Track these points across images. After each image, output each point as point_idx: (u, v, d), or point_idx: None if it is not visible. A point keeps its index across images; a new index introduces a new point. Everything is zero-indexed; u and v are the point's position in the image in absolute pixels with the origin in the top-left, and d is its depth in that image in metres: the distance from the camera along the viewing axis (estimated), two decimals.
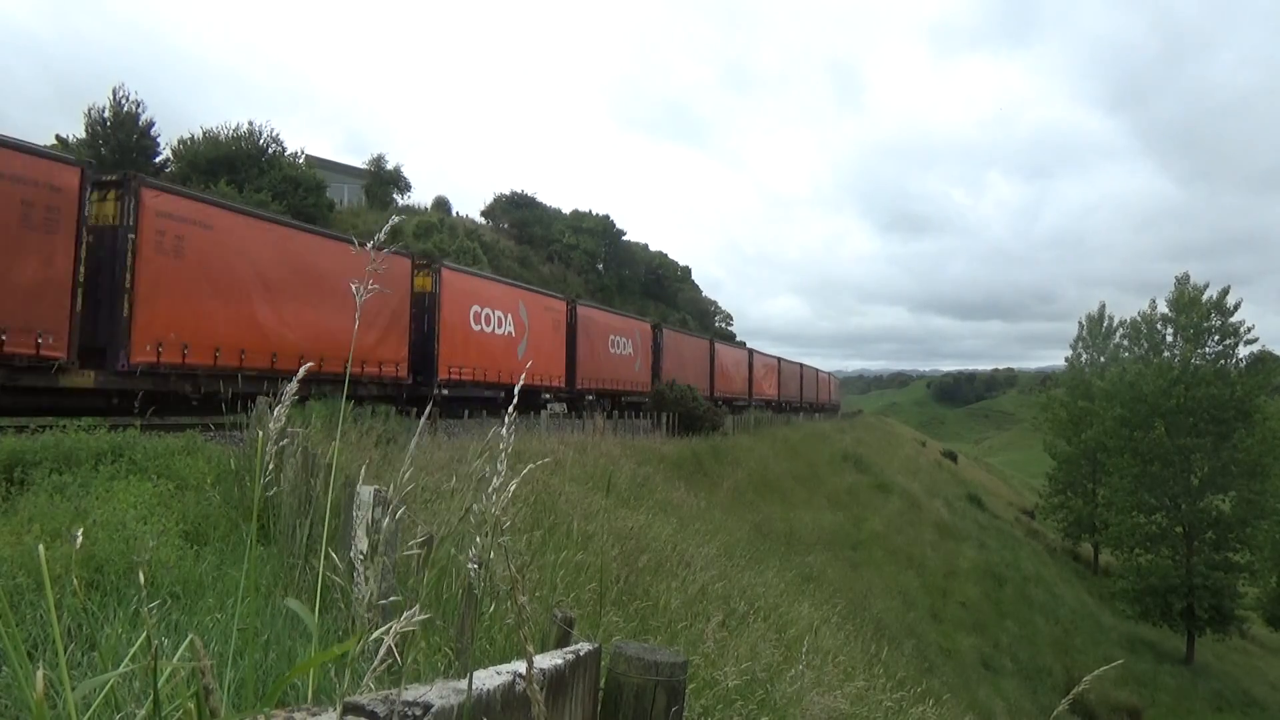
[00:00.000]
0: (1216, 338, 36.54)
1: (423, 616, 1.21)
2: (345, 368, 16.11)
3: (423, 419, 1.76)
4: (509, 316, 23.20)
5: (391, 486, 1.37)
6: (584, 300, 31.62)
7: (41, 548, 1.38)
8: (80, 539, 1.45)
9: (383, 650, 1.11)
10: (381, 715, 1.03)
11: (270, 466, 1.52)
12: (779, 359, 57.25)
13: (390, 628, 1.17)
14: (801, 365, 64.18)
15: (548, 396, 25.65)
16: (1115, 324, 49.47)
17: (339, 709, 1.00)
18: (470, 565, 1.28)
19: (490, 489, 1.24)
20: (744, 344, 61.90)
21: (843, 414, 76.22)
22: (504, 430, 1.29)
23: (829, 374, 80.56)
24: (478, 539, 1.24)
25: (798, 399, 60.64)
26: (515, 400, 1.45)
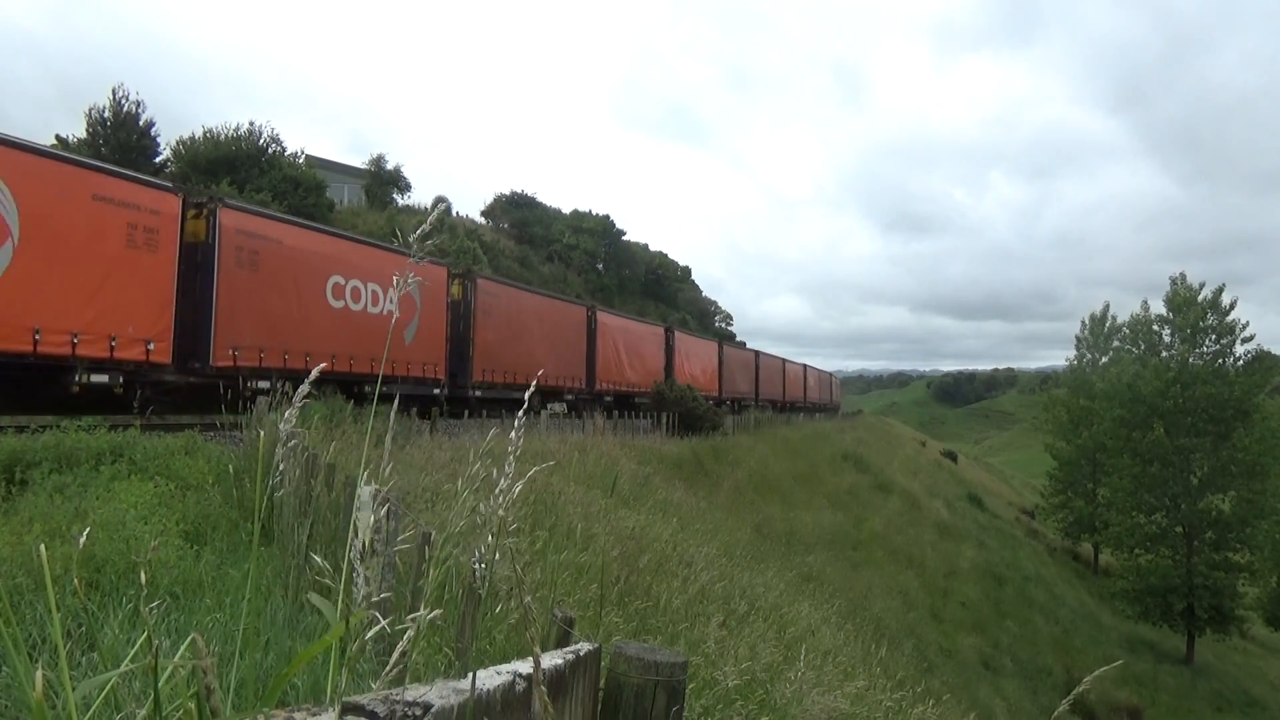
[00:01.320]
0: (1213, 337, 36.54)
1: (430, 613, 1.21)
2: None
3: (393, 410, 1.75)
4: None
5: (376, 479, 1.37)
6: (239, 203, 18.19)
7: (43, 548, 1.38)
8: (83, 540, 1.45)
9: (396, 653, 1.11)
10: (381, 715, 1.03)
11: (280, 467, 1.52)
12: (720, 343, 44.74)
13: (404, 629, 1.17)
14: (758, 353, 52.69)
15: (103, 379, 13.28)
16: (1117, 324, 49.51)
17: (338, 709, 1.00)
18: (475, 566, 1.28)
19: (496, 490, 1.24)
20: (721, 335, 61.71)
21: (843, 414, 75.56)
22: (514, 433, 1.30)
23: (805, 368, 66.52)
24: (488, 538, 1.24)
25: (752, 396, 47.99)
26: None
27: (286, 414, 1.52)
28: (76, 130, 31.85)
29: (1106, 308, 52.23)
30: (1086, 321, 53.02)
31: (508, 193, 56.01)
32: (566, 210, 57.49)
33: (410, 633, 1.13)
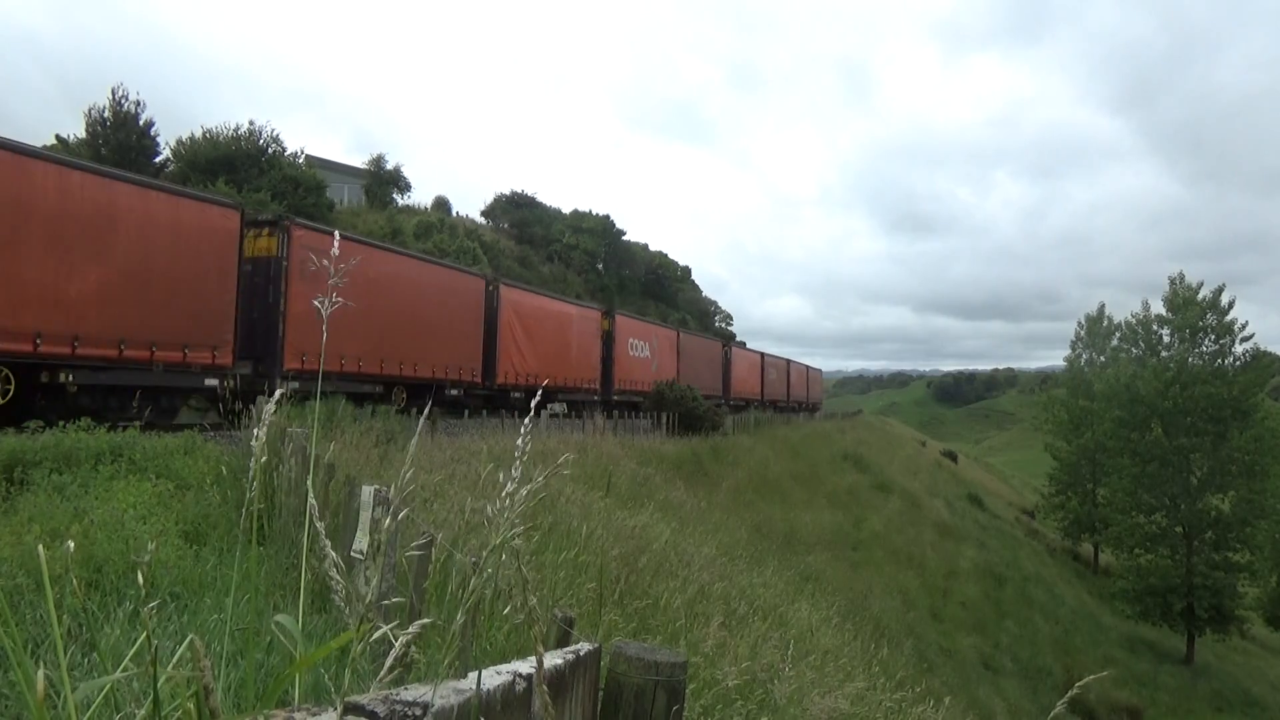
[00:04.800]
0: (1212, 336, 36.54)
1: (426, 620, 1.20)
2: None
3: (423, 417, 1.76)
4: None
5: (393, 487, 1.37)
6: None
7: (41, 548, 1.38)
8: (71, 545, 1.44)
9: (392, 657, 1.11)
10: (381, 715, 1.03)
11: (264, 470, 1.52)
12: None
13: (404, 633, 1.17)
14: (682, 333, 40.30)
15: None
16: (1114, 324, 49.45)
17: (339, 709, 1.00)
18: (474, 566, 1.27)
19: (504, 493, 1.24)
20: (722, 335, 61.35)
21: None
22: (521, 435, 1.30)
23: (752, 352, 53.18)
24: (491, 539, 1.24)
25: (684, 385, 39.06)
26: None
27: (256, 433, 1.52)
28: (76, 130, 31.85)
29: (1103, 308, 52.22)
30: (1083, 322, 53.02)
31: (508, 193, 56.06)
32: (566, 210, 57.55)
33: (403, 637, 1.13)
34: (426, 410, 1.60)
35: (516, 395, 25.05)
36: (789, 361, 61.46)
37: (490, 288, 24.36)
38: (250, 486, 1.48)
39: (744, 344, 61.12)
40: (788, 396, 58.67)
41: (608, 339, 31.21)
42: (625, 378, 32.25)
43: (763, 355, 54.28)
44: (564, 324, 28.32)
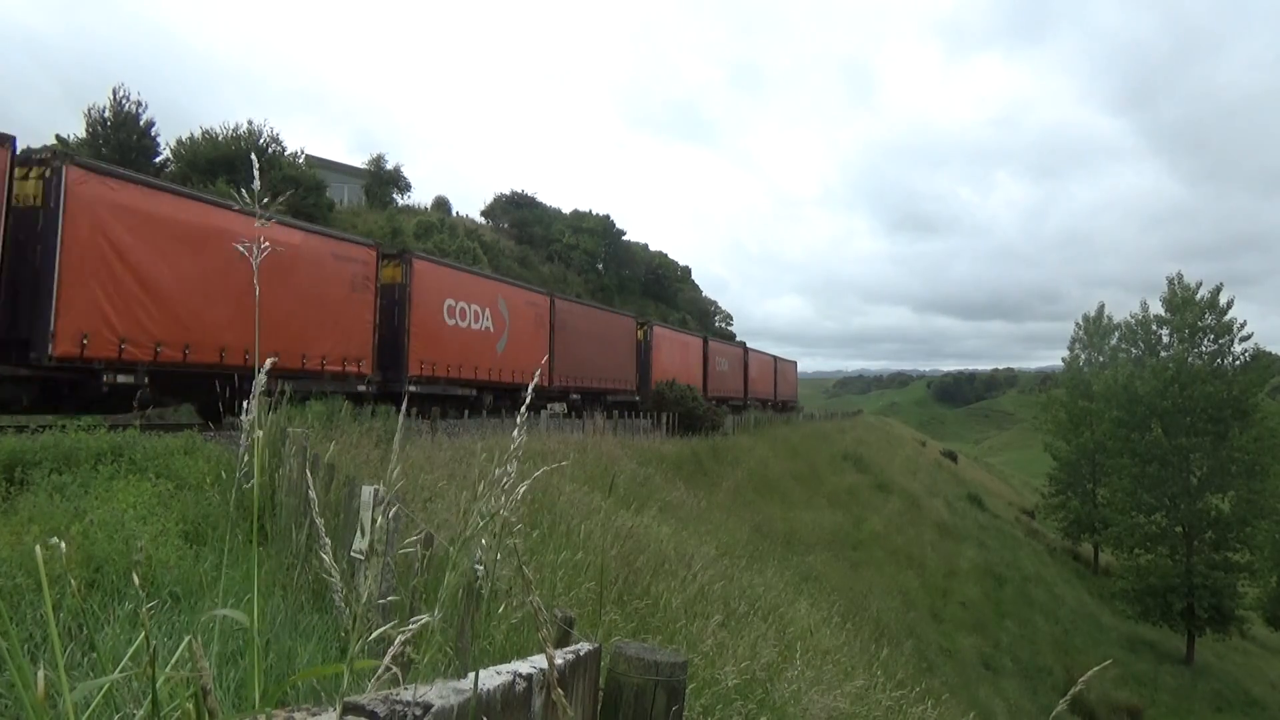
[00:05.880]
0: (1211, 336, 36.54)
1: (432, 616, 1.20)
2: None
3: (401, 414, 1.75)
4: None
5: (382, 484, 1.37)
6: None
7: (39, 549, 1.37)
8: (64, 546, 1.44)
9: (388, 657, 1.11)
10: (382, 715, 1.02)
11: (264, 470, 1.51)
12: (405, 259, 28.48)
13: (400, 634, 1.17)
14: (558, 299, 28.86)
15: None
16: (1114, 324, 49.39)
17: (339, 709, 1.00)
18: (476, 567, 1.27)
19: (499, 488, 1.24)
20: (723, 335, 61.06)
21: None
22: (516, 432, 1.29)
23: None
24: (483, 540, 1.23)
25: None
26: None
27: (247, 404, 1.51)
28: (77, 130, 31.85)
29: (1102, 308, 52.18)
30: (1081, 322, 52.96)
31: (508, 193, 56.10)
32: (566, 210, 57.59)
33: (399, 638, 1.13)
34: (403, 407, 1.57)
35: (122, 379, 12.95)
36: (746, 349, 50.88)
37: (44, 172, 12.26)
38: (238, 481, 1.47)
39: (737, 337, 61.04)
40: (745, 393, 47.07)
41: (397, 295, 20.56)
42: (436, 358, 21.42)
43: (706, 340, 42.79)
44: (279, 261, 15.16)
